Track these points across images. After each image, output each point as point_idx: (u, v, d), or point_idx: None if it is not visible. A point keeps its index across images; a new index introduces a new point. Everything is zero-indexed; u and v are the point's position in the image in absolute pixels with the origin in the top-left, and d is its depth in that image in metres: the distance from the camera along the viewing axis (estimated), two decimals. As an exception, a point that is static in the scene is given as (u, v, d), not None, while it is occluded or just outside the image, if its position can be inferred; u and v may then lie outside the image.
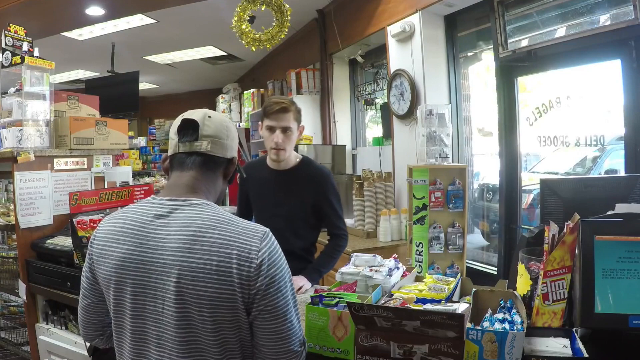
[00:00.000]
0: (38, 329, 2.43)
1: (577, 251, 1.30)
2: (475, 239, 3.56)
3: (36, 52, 2.55)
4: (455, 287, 1.48)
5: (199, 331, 1.05)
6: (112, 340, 1.21)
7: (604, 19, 2.36)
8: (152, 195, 1.19)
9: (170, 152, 1.22)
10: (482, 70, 3.42)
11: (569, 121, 2.51)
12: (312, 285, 2.04)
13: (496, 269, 3.08)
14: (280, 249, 1.13)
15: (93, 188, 2.62)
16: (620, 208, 1.37)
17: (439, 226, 2.74)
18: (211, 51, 6.32)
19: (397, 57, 3.63)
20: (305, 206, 2.18)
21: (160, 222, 1.10)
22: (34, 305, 2.44)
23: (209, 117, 1.20)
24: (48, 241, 2.33)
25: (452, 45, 3.44)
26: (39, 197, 2.40)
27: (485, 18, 3.09)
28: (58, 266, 2.24)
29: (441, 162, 2.81)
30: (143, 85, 7.91)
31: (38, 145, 2.39)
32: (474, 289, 1.40)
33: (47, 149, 2.44)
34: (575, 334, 1.23)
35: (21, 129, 2.33)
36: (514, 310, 1.27)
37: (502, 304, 1.32)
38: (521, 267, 1.44)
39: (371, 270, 1.63)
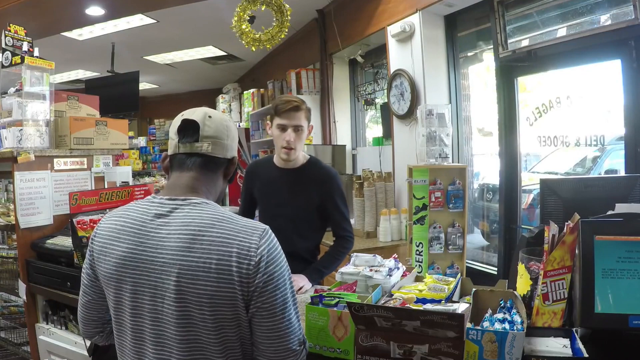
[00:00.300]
0: (38, 329, 2.42)
1: (577, 251, 1.30)
2: (475, 239, 3.56)
3: (36, 52, 2.55)
4: (455, 287, 1.48)
5: (200, 330, 1.05)
6: (112, 337, 1.22)
7: (604, 19, 2.36)
8: (153, 194, 1.19)
9: (170, 152, 1.21)
10: (482, 70, 3.42)
11: (569, 121, 2.51)
12: (312, 286, 2.03)
13: (496, 269, 3.08)
14: (280, 247, 1.13)
15: (93, 188, 2.62)
16: (620, 208, 1.37)
17: (439, 226, 2.74)
18: (211, 51, 6.33)
19: (397, 57, 3.63)
20: (311, 206, 2.16)
21: (160, 221, 1.10)
22: (34, 305, 2.44)
23: (210, 116, 1.18)
24: (48, 241, 2.33)
25: (452, 45, 3.44)
26: (39, 197, 2.40)
27: (485, 18, 3.09)
28: (58, 266, 2.24)
29: (441, 162, 2.81)
30: (143, 85, 7.91)
31: (38, 145, 2.39)
32: (474, 289, 1.40)
33: (47, 149, 2.44)
34: (575, 334, 1.23)
35: (21, 129, 2.33)
36: (514, 310, 1.27)
37: (502, 304, 1.32)
38: (521, 267, 1.44)
39: (371, 270, 1.62)
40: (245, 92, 6.48)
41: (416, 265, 2.71)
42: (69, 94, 2.67)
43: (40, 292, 2.36)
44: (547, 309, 1.32)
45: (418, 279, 1.69)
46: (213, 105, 7.66)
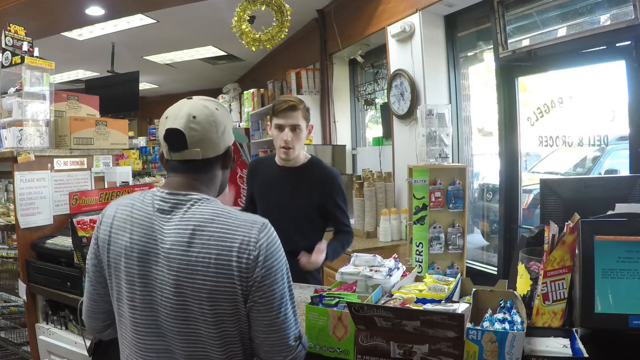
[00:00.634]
0: (38, 329, 2.42)
1: (577, 251, 1.30)
2: (475, 239, 3.56)
3: (36, 52, 2.56)
4: (455, 287, 1.48)
5: (200, 324, 1.06)
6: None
7: (604, 19, 2.36)
8: (157, 187, 1.18)
9: (165, 155, 1.18)
10: (482, 70, 3.42)
11: (572, 121, 2.49)
12: (325, 260, 2.06)
13: (496, 269, 3.07)
14: (279, 241, 1.13)
15: (93, 188, 2.62)
16: (620, 208, 1.37)
17: (439, 226, 2.74)
18: (211, 51, 6.32)
19: (397, 57, 3.63)
20: (312, 206, 2.17)
21: (162, 216, 1.11)
22: (34, 305, 2.44)
23: (194, 117, 1.11)
24: (48, 241, 2.33)
25: (452, 45, 3.44)
26: (39, 197, 2.40)
27: (485, 18, 3.08)
28: (58, 266, 2.23)
29: (441, 162, 2.81)
30: (143, 85, 7.91)
31: (38, 145, 2.39)
32: (474, 289, 1.40)
33: (47, 149, 2.44)
34: (575, 334, 1.23)
35: (21, 129, 2.33)
36: (514, 310, 1.27)
37: (502, 304, 1.32)
38: (521, 267, 1.44)
39: (371, 270, 1.62)
40: (245, 92, 6.48)
41: (416, 265, 2.71)
42: (69, 94, 2.67)
43: (40, 292, 2.36)
44: (547, 309, 1.32)
45: (418, 279, 1.69)
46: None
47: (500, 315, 1.24)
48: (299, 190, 2.17)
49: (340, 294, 1.40)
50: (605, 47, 2.27)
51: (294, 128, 2.09)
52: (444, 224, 2.75)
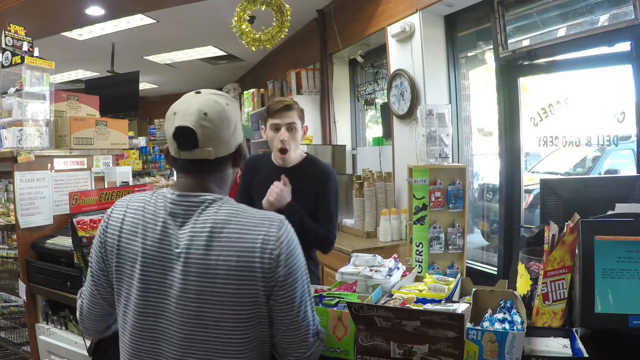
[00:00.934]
0: (38, 329, 2.42)
1: (577, 251, 1.30)
2: (475, 239, 3.56)
3: (36, 52, 2.56)
4: (455, 287, 1.48)
5: (216, 330, 1.03)
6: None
7: (604, 19, 2.36)
8: (168, 188, 1.14)
9: (172, 153, 1.12)
10: (482, 70, 3.42)
11: (578, 121, 2.47)
12: (288, 207, 2.02)
13: (496, 269, 3.07)
14: (297, 238, 1.11)
15: (93, 188, 2.62)
16: (620, 208, 1.37)
17: (439, 226, 2.74)
18: (211, 51, 6.32)
19: (397, 57, 3.63)
20: (311, 204, 2.16)
21: (176, 220, 1.07)
22: (34, 305, 2.44)
23: (205, 114, 1.06)
24: (48, 241, 2.33)
25: (452, 45, 3.44)
26: (39, 197, 2.40)
27: (485, 18, 3.08)
28: (58, 266, 2.23)
29: (441, 162, 2.80)
30: (143, 85, 7.91)
31: (38, 145, 2.39)
32: (474, 289, 1.40)
33: (47, 149, 2.44)
34: (575, 334, 1.23)
35: (21, 129, 2.33)
36: (514, 310, 1.27)
37: (502, 304, 1.32)
38: (521, 267, 1.44)
39: (371, 270, 1.62)
40: (245, 92, 6.48)
41: (416, 265, 2.71)
42: (69, 94, 2.67)
43: (40, 292, 2.36)
44: (547, 309, 1.32)
45: (418, 279, 1.69)
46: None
47: (500, 315, 1.24)
48: (297, 189, 2.16)
49: (340, 294, 1.40)
50: (607, 47, 2.25)
51: (290, 127, 2.08)
52: (444, 224, 2.75)
